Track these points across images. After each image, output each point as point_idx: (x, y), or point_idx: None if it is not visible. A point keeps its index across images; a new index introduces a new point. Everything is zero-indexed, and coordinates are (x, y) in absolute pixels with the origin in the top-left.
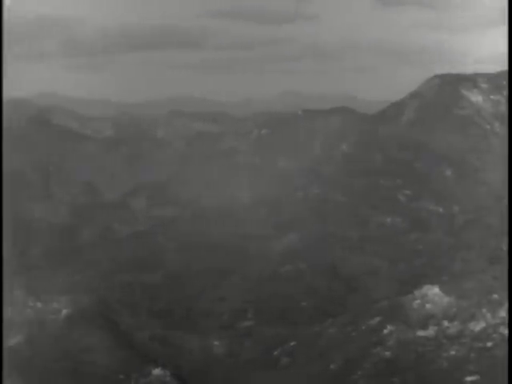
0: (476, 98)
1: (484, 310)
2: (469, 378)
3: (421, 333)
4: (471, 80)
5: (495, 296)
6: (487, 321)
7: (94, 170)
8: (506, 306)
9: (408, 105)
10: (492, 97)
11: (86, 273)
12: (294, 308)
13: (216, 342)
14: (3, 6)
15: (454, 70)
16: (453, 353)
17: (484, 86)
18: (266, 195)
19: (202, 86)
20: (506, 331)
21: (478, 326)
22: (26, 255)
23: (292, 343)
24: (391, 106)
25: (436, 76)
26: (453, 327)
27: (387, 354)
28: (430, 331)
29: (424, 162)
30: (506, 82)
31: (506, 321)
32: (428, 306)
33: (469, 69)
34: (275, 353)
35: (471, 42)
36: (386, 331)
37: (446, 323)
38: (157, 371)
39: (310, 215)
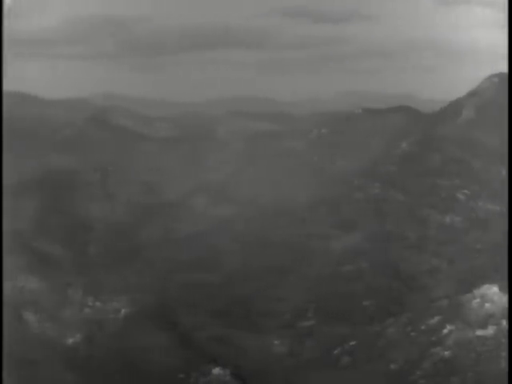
0: None
1: None
2: None
3: (480, 332)
4: None
5: None
6: None
7: (153, 170)
8: None
9: (466, 104)
10: None
11: (145, 272)
12: (354, 307)
13: (276, 342)
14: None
15: None
16: None
17: None
18: (325, 194)
19: (261, 85)
20: None
21: None
22: (85, 255)
23: (352, 343)
24: (450, 105)
25: (494, 75)
26: None
27: (446, 353)
28: (489, 331)
29: (482, 161)
30: None
31: None
32: (487, 305)
33: None
34: (335, 352)
35: None
36: (445, 331)
37: (504, 322)
38: (216, 370)
39: (369, 215)
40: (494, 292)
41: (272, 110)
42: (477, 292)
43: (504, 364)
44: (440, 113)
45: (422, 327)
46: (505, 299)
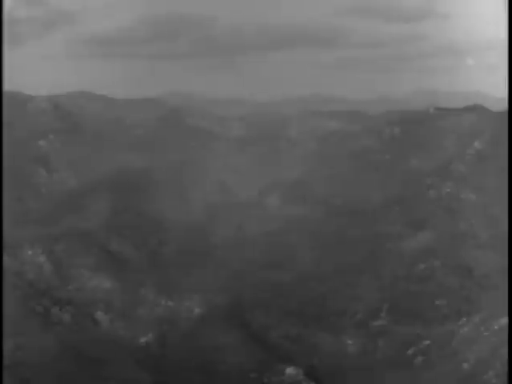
0: None
1: None
2: None
3: None
4: None
5: None
6: None
7: (226, 169)
8: None
9: None
10: None
11: (218, 272)
12: (427, 307)
13: (349, 341)
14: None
15: None
16: None
17: None
18: (397, 193)
19: (334, 84)
20: None
21: None
22: (158, 255)
23: (426, 342)
24: None
25: None
26: None
27: None
28: None
29: None
30: None
31: None
32: None
33: None
34: (409, 352)
35: None
36: None
37: None
38: (290, 370)
39: (441, 213)
40: None
41: (345, 108)
42: None
43: None
44: None
45: (495, 327)
46: None
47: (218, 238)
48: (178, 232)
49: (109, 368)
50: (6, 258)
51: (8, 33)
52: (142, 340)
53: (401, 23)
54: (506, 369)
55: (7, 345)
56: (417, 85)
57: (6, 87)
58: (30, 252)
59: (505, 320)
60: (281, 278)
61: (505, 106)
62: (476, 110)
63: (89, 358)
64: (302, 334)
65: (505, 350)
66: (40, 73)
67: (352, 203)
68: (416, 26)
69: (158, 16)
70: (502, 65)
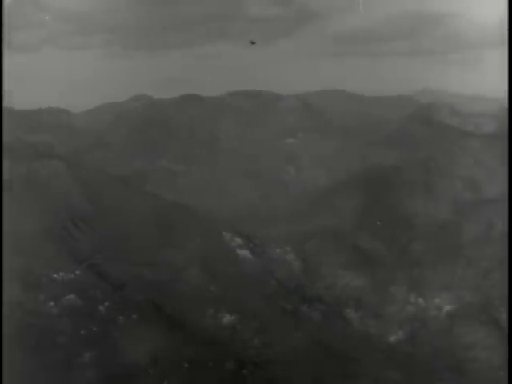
0: None
1: None
2: None
3: None
4: None
5: None
6: None
7: (475, 166)
8: None
9: None
10: None
11: (468, 269)
12: None
13: None
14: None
15: None
16: None
17: None
18: None
19: None
20: None
21: None
22: (408, 252)
23: None
24: None
25: None
26: None
27: None
28: None
29: None
30: None
31: None
32: None
33: None
34: None
35: None
36: None
37: None
38: None
39: None
40: None
41: None
42: None
43: None
44: None
45: None
46: None
47: (467, 235)
48: (428, 229)
49: (359, 365)
50: (253, 256)
51: (253, 32)
52: (392, 338)
53: None
54: None
55: (254, 342)
56: None
57: (252, 87)
58: (278, 250)
59: None
60: None
61: None
62: None
63: (339, 356)
64: None
65: None
66: (289, 71)
67: None
68: None
69: (399, 13)
70: None
